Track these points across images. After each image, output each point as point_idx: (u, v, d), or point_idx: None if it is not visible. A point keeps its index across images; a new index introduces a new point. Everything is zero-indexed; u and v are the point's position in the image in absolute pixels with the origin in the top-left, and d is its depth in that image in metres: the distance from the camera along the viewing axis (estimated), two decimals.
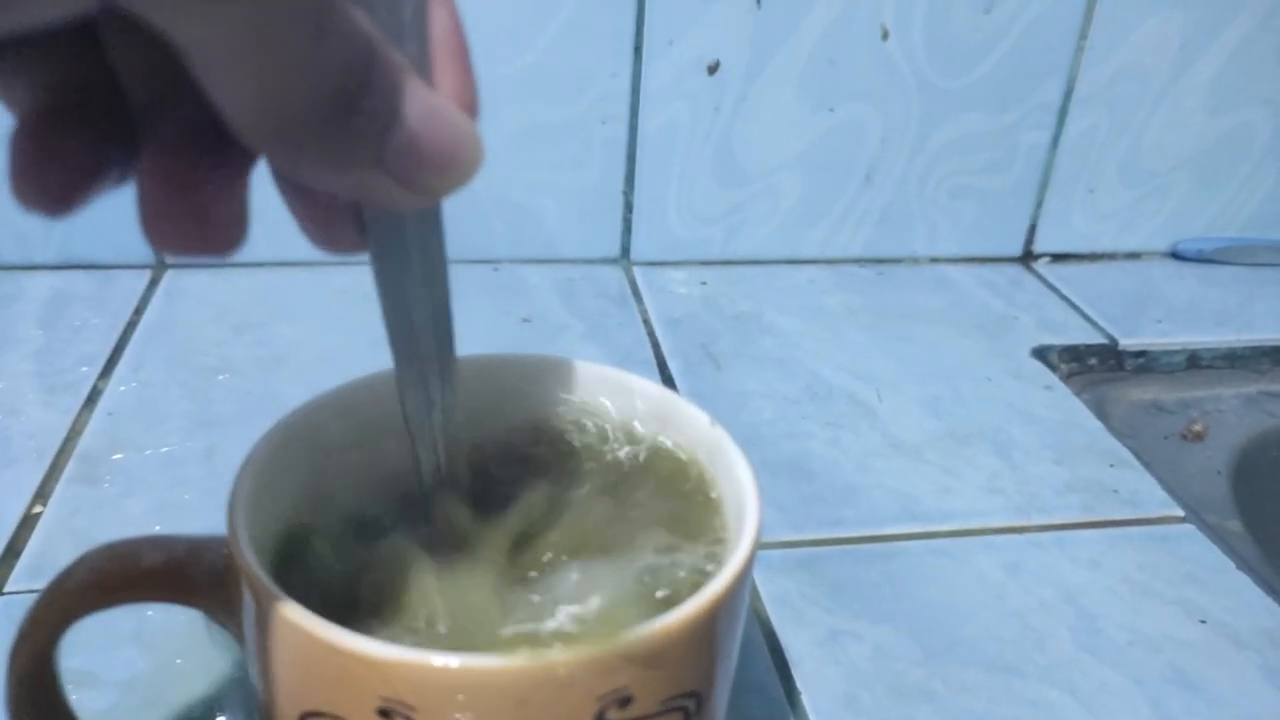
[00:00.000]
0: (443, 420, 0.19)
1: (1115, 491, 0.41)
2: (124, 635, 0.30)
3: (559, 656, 0.16)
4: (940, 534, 0.38)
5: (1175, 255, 0.61)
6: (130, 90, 0.15)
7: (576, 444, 0.22)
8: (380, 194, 0.15)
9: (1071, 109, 0.55)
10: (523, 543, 0.20)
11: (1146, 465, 0.42)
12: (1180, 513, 0.40)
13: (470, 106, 0.16)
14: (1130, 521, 0.39)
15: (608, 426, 0.22)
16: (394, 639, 0.16)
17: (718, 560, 0.19)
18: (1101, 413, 0.47)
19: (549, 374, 0.23)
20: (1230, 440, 0.48)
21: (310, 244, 0.17)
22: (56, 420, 0.41)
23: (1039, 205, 0.58)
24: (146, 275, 0.51)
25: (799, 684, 0.31)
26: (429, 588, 0.18)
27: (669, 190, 0.54)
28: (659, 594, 0.18)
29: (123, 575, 0.19)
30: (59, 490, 0.37)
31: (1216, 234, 0.60)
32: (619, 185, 0.54)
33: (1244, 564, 0.37)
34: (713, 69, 0.51)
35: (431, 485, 0.20)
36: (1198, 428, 0.48)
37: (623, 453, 0.22)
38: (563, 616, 0.18)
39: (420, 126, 0.14)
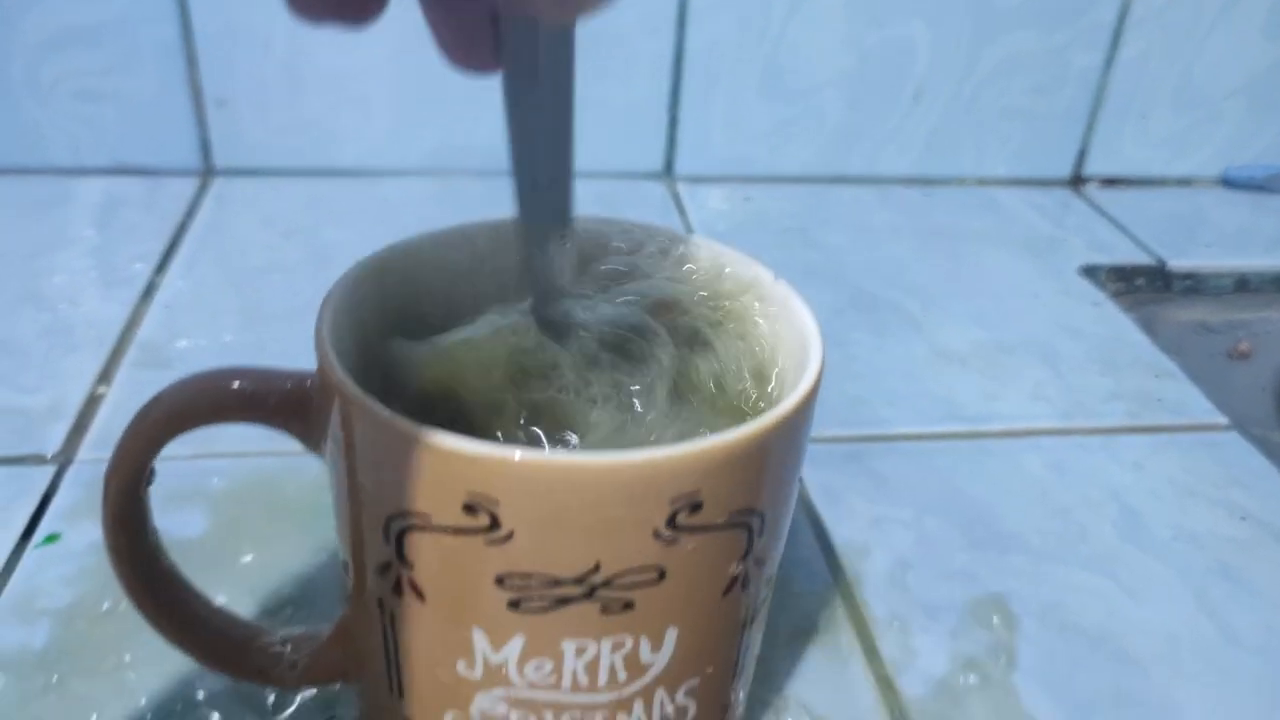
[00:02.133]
0: (559, 248, 0.20)
1: (1160, 400, 0.41)
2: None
3: (635, 456, 0.16)
4: (986, 434, 0.38)
5: (1226, 182, 0.60)
6: None
7: (661, 297, 0.22)
8: (529, 2, 0.15)
9: (1125, 31, 0.54)
10: (609, 368, 0.20)
11: (1192, 378, 0.42)
12: (1224, 421, 0.40)
13: None
14: (1175, 428, 0.39)
15: (687, 282, 0.23)
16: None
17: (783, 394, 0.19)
18: (1149, 331, 0.47)
19: (636, 235, 0.23)
20: (1277, 360, 0.48)
21: (446, 61, 0.18)
22: (115, 311, 0.42)
23: (1090, 129, 0.57)
24: (195, 181, 0.52)
25: (843, 562, 0.31)
26: (514, 395, 0.18)
27: (714, 105, 0.54)
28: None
29: (211, 397, 0.20)
30: (121, 373, 0.38)
31: (1269, 162, 0.59)
32: (664, 100, 0.53)
33: None
34: None
35: (538, 296, 0.20)
36: (1244, 347, 0.48)
37: (702, 308, 0.23)
38: (641, 428, 0.18)
39: None
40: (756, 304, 0.22)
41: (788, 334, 0.21)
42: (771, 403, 0.20)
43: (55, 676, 0.26)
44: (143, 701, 0.25)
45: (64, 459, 0.34)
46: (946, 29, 0.53)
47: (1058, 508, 0.35)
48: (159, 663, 0.26)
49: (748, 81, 0.53)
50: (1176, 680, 0.28)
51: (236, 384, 0.20)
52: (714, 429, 0.17)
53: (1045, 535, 0.33)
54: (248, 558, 0.30)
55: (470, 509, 0.17)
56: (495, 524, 0.17)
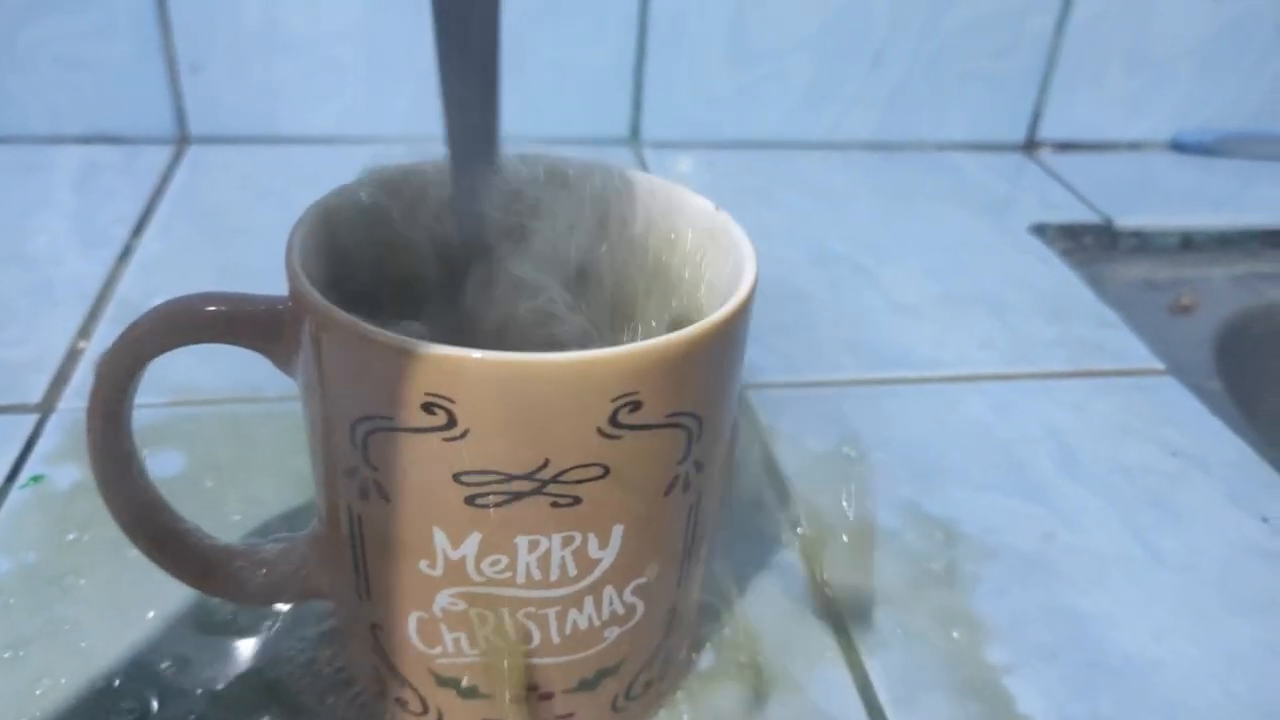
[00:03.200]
0: (486, 173, 0.21)
1: (1101, 348, 0.43)
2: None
3: (579, 356, 0.18)
4: (933, 379, 0.40)
5: (1176, 146, 0.62)
6: None
7: (593, 231, 0.24)
8: None
9: None
10: (551, 291, 0.22)
11: (1134, 329, 0.44)
12: (1161, 366, 0.42)
13: None
14: (1113, 372, 0.41)
15: (622, 212, 0.24)
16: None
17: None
18: (1095, 286, 0.49)
19: (563, 173, 0.25)
20: (1218, 314, 0.50)
21: None
22: (95, 270, 0.43)
23: (1043, 93, 0.59)
24: (171, 149, 0.53)
25: (792, 494, 0.33)
26: (464, 304, 0.20)
27: (680, 70, 0.55)
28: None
29: (188, 318, 0.21)
30: (100, 329, 0.39)
31: (1217, 126, 0.61)
32: (629, 64, 0.55)
33: (1218, 411, 0.39)
34: None
35: (466, 218, 0.22)
36: (1186, 301, 0.50)
37: (643, 237, 0.24)
38: (585, 330, 0.20)
39: None
40: (690, 231, 0.24)
41: (726, 258, 0.23)
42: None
43: (42, 596, 0.27)
44: (117, 620, 0.27)
45: (46, 407, 0.35)
46: None
47: (999, 444, 0.36)
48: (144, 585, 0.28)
49: (713, 46, 0.55)
50: (1106, 595, 0.30)
51: (212, 307, 0.21)
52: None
53: (986, 469, 0.35)
54: (211, 485, 0.31)
55: (428, 408, 0.18)
56: (452, 421, 0.18)
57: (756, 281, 0.21)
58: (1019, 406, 0.39)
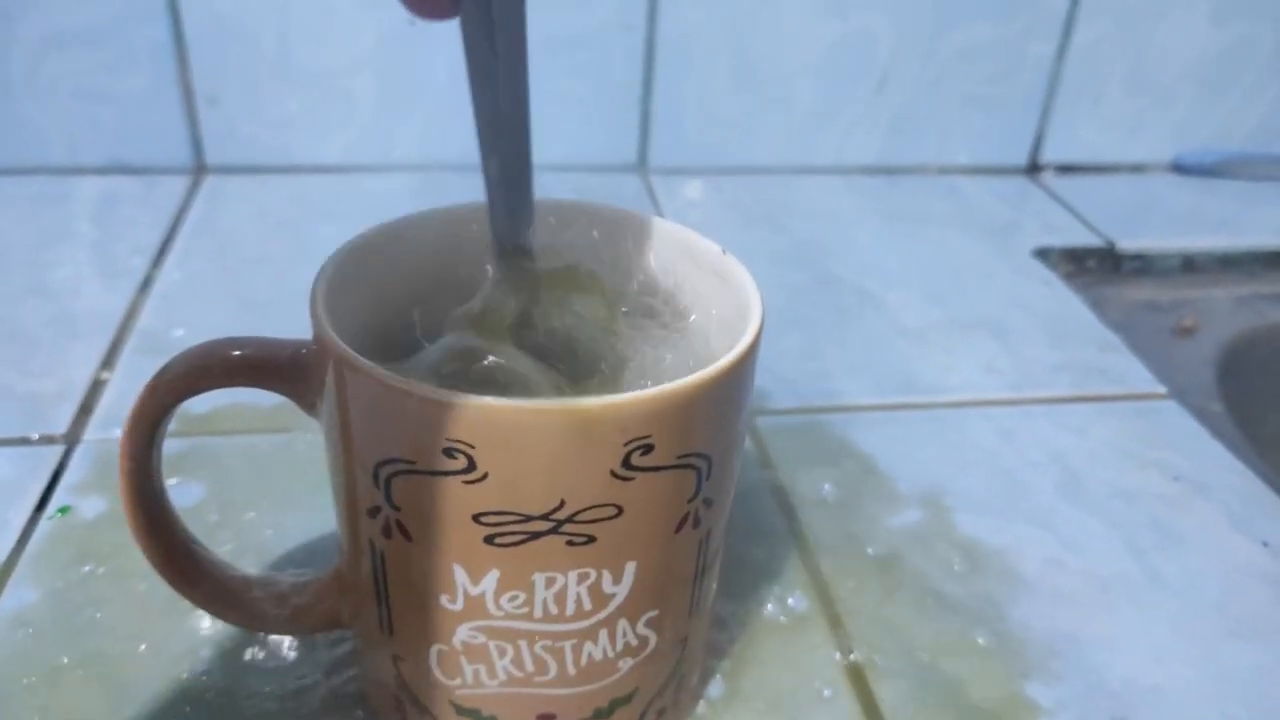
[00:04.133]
0: (524, 199, 0.22)
1: (1104, 372, 0.43)
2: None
3: (592, 402, 0.19)
4: (938, 405, 0.41)
5: (1178, 168, 0.62)
6: None
7: (610, 276, 0.25)
8: None
9: (1078, 19, 0.57)
10: (565, 338, 0.23)
11: (1136, 352, 0.45)
12: (1163, 390, 0.42)
13: None
14: (1116, 397, 0.42)
15: (635, 257, 0.25)
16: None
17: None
18: (1097, 309, 0.49)
19: (582, 216, 0.26)
20: (1220, 335, 0.50)
21: (408, 9, 0.19)
22: (116, 301, 0.44)
23: (1045, 116, 0.60)
24: (188, 179, 0.54)
25: (800, 515, 0.34)
26: (486, 356, 0.21)
27: (686, 99, 0.56)
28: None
29: (215, 364, 0.22)
30: (123, 359, 0.40)
31: (1218, 147, 0.62)
32: (637, 94, 0.56)
33: (1219, 435, 0.40)
34: None
35: (501, 262, 0.23)
36: (1189, 323, 0.50)
37: (650, 282, 0.25)
38: (596, 381, 0.21)
39: None
40: (700, 273, 0.25)
41: (733, 299, 0.24)
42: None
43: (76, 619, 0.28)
44: (142, 648, 0.28)
45: (72, 438, 0.36)
46: (907, 19, 0.56)
47: (1003, 469, 0.37)
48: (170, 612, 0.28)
49: (718, 74, 0.56)
50: (1106, 618, 0.31)
51: (238, 351, 0.22)
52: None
53: (990, 493, 0.36)
54: (249, 515, 0.32)
55: (450, 453, 0.19)
56: (472, 465, 0.19)
57: (763, 325, 0.22)
58: (1023, 431, 0.39)
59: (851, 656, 0.29)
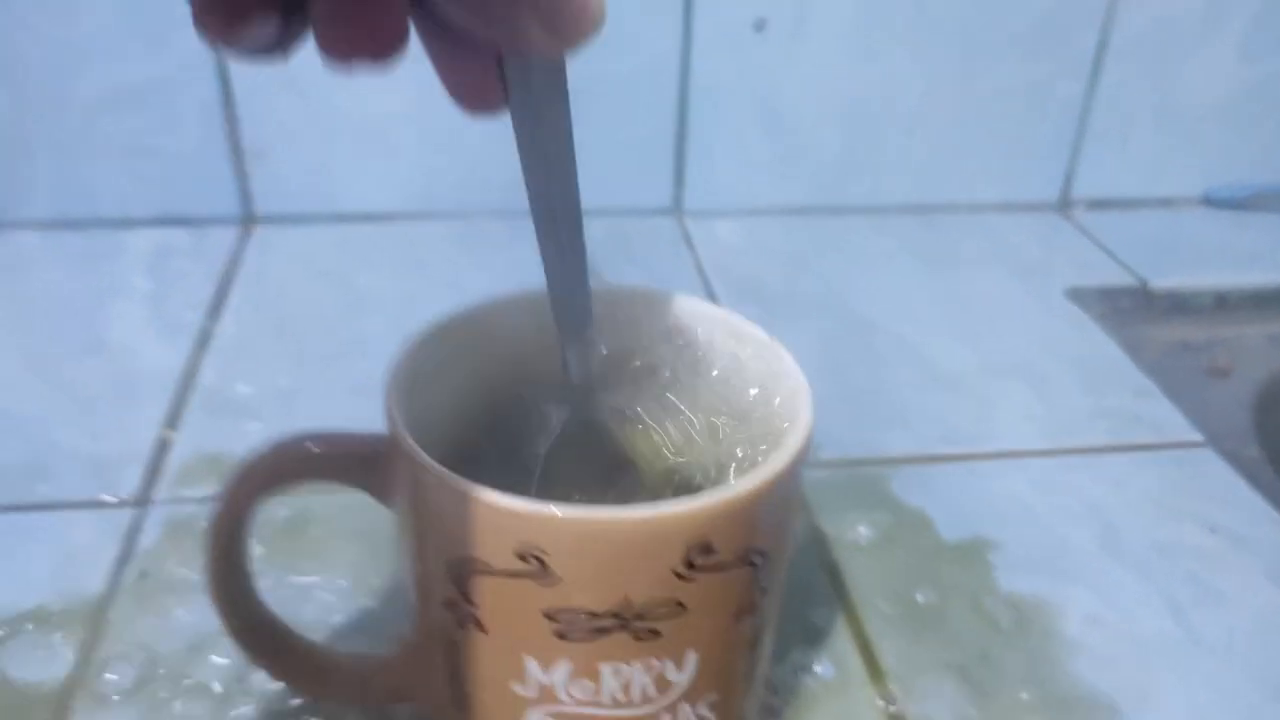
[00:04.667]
0: (583, 291, 0.23)
1: (1139, 419, 0.44)
2: None
3: (657, 511, 0.20)
4: (976, 457, 0.41)
5: (1208, 202, 0.63)
6: None
7: (666, 362, 0.26)
8: (526, 39, 0.17)
9: (1105, 59, 0.58)
10: (627, 433, 0.24)
11: (1171, 397, 0.45)
12: (1200, 438, 0.43)
13: None
14: (1152, 446, 0.42)
15: (689, 343, 0.26)
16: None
17: (779, 445, 0.23)
18: (1131, 350, 0.50)
19: (639, 302, 0.27)
20: (1255, 375, 0.51)
21: (456, 105, 0.20)
22: (174, 358, 0.45)
23: (1075, 153, 0.60)
24: (237, 230, 0.56)
25: (844, 577, 0.35)
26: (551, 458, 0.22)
27: (718, 143, 0.57)
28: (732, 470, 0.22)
29: (293, 462, 0.23)
30: (186, 418, 0.42)
31: (1248, 181, 0.62)
32: (671, 139, 0.57)
33: (1256, 484, 0.40)
34: (759, 26, 0.54)
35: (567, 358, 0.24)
36: (1223, 363, 0.51)
37: (705, 368, 0.26)
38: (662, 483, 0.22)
39: None
40: (748, 359, 0.26)
41: (781, 388, 0.25)
42: (765, 453, 0.24)
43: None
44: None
45: (143, 500, 0.37)
46: (936, 63, 0.56)
47: (1042, 524, 0.38)
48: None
49: (749, 119, 0.57)
50: (1146, 678, 0.32)
51: (316, 449, 0.23)
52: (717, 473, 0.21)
53: (1030, 549, 0.37)
54: (308, 579, 0.34)
55: (522, 556, 0.20)
56: (544, 569, 0.20)
57: (813, 420, 0.23)
58: (1060, 483, 0.40)
59: (894, 710, 0.30)
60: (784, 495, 0.22)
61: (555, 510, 0.20)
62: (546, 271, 0.23)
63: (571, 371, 0.24)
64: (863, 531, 0.37)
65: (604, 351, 0.24)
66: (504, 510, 0.20)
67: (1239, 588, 0.35)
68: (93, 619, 0.32)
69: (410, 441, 0.21)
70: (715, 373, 0.26)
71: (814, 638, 0.33)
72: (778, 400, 0.24)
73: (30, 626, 0.32)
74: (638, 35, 0.53)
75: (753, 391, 0.26)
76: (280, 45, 0.18)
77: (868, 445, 0.41)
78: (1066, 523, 0.38)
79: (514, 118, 0.21)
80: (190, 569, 0.34)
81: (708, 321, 0.27)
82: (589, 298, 0.23)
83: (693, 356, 0.26)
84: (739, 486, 0.20)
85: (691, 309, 0.27)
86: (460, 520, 0.21)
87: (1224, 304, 0.55)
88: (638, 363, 0.25)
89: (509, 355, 0.26)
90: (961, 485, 0.39)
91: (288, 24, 0.18)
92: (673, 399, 0.25)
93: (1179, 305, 0.54)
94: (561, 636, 0.21)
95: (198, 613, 0.32)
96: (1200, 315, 0.55)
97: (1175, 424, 0.44)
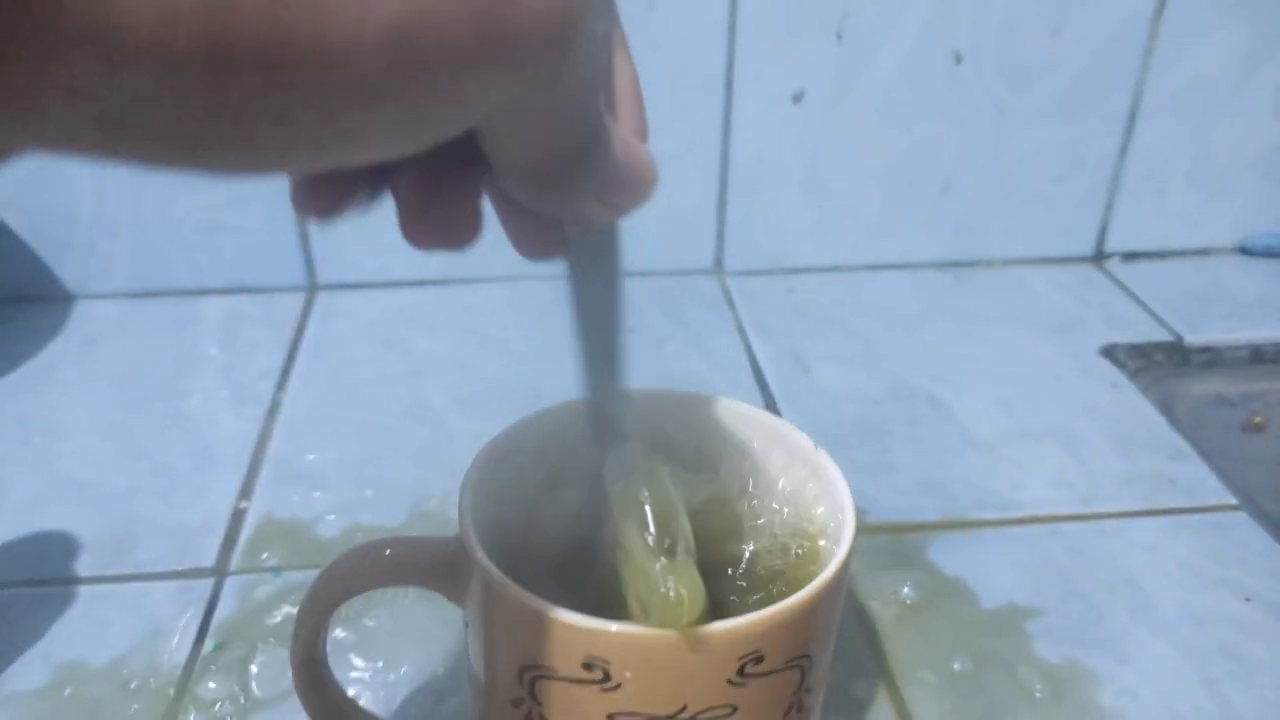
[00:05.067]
0: (620, 411, 0.25)
1: (1173, 482, 0.45)
2: None
3: (713, 629, 0.22)
4: (1012, 522, 0.43)
5: (1244, 251, 0.63)
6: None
7: (716, 469, 0.28)
8: (587, 213, 0.19)
9: (1139, 119, 0.59)
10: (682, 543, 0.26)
11: (1206, 456, 0.46)
12: (1234, 501, 0.44)
13: (645, 137, 0.21)
14: (1186, 510, 0.43)
15: (734, 452, 0.28)
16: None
17: (823, 557, 0.25)
18: (1166, 407, 0.51)
19: (686, 408, 0.29)
20: None
21: (519, 253, 0.22)
22: (247, 428, 0.48)
23: (1109, 208, 0.62)
24: (302, 296, 0.59)
25: (885, 647, 0.36)
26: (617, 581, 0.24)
27: (758, 206, 0.59)
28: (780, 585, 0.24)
29: (370, 567, 0.26)
30: (259, 489, 0.44)
31: None
32: (713, 203, 0.59)
33: None
34: (797, 98, 0.56)
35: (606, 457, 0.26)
36: (1259, 420, 0.52)
37: (749, 470, 0.28)
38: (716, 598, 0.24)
39: (622, 158, 0.19)
40: (792, 465, 0.28)
41: (826, 494, 0.27)
42: (816, 560, 0.26)
43: None
44: None
45: (221, 571, 0.40)
46: (970, 128, 0.58)
47: (1077, 591, 0.39)
48: None
49: (788, 184, 0.59)
50: None
51: (390, 553, 0.26)
52: (772, 583, 0.23)
53: (1067, 619, 0.38)
54: (379, 665, 0.36)
55: (588, 666, 0.22)
56: (607, 677, 0.22)
57: (855, 531, 0.24)
58: (1095, 549, 0.41)
59: None
60: (829, 606, 0.24)
61: (618, 627, 0.22)
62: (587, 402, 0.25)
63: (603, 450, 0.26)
64: (898, 597, 0.38)
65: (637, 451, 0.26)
66: (571, 626, 0.22)
67: (1273, 660, 0.36)
68: (177, 686, 0.35)
69: (481, 554, 0.23)
70: (756, 475, 0.28)
71: (854, 705, 0.34)
72: (820, 510, 0.26)
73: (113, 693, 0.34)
74: (682, 109, 0.56)
75: (795, 494, 0.27)
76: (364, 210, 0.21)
77: (903, 511, 0.43)
78: (1100, 590, 0.39)
79: (570, 269, 0.23)
80: (260, 638, 0.36)
81: (754, 425, 0.29)
82: (626, 426, 0.25)
83: (735, 459, 0.28)
84: (788, 602, 0.22)
85: (736, 412, 0.29)
86: (530, 631, 0.23)
87: (1260, 357, 0.56)
88: (682, 466, 0.27)
89: (582, 456, 0.28)
90: (997, 551, 0.41)
91: (372, 198, 0.21)
92: (716, 499, 0.27)
93: (1214, 359, 0.55)
94: None
95: (270, 681, 0.34)
96: (1236, 369, 0.55)
97: (1209, 487, 0.45)
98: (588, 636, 0.22)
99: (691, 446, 0.28)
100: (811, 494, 0.27)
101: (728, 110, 0.56)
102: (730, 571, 0.27)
